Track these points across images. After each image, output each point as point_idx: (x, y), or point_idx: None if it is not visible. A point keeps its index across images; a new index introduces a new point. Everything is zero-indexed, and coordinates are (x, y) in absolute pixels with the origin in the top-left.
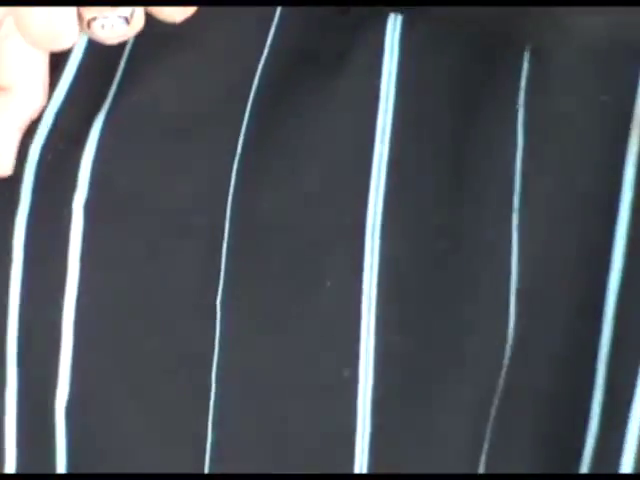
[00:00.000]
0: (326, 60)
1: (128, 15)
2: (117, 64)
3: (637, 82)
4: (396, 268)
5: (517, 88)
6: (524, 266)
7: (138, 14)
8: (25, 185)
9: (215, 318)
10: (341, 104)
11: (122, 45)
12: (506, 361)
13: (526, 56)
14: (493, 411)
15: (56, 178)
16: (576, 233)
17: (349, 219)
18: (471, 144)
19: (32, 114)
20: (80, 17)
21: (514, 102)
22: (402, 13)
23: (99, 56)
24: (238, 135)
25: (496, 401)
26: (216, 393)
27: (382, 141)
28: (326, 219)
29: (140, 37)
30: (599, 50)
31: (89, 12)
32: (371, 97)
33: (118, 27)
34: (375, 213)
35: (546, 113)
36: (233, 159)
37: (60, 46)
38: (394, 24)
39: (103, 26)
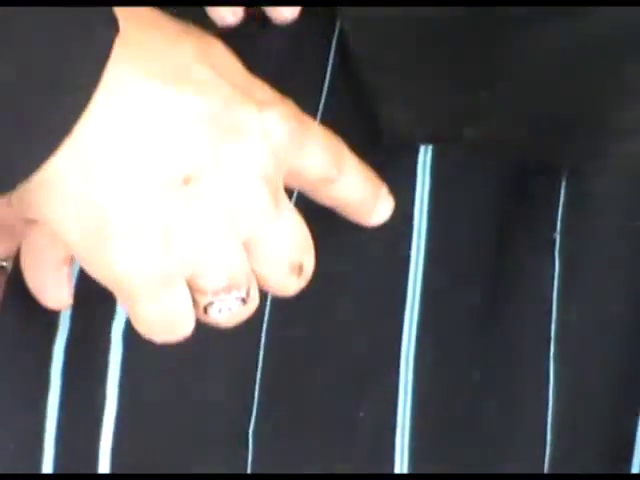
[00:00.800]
0: None
1: (244, 295)
2: None
3: None
4: (430, 399)
5: (554, 216)
6: (561, 395)
7: (253, 293)
8: (64, 311)
9: (247, 448)
10: (373, 232)
11: None
12: None
13: (563, 183)
14: None
15: (94, 305)
16: (609, 361)
17: (383, 348)
18: (505, 273)
19: None
20: (195, 303)
21: (551, 230)
22: (433, 142)
23: None
24: None
25: None
26: None
27: (416, 270)
28: (359, 348)
29: None
30: (636, 175)
31: (204, 298)
32: (403, 226)
33: (235, 308)
34: (409, 342)
35: (582, 240)
36: None
37: (178, 336)
38: (425, 151)
39: (220, 310)
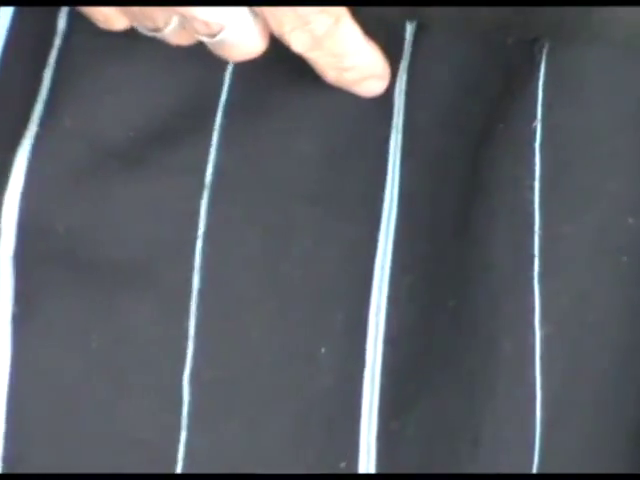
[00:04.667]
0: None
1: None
2: (40, 76)
3: None
4: (403, 328)
5: (535, 94)
6: (551, 318)
7: None
8: None
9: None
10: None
11: (44, 51)
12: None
13: (544, 57)
14: None
15: None
16: (603, 274)
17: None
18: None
19: None
20: None
21: (532, 112)
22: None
23: (16, 65)
24: (206, 160)
25: None
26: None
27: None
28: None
29: (68, 41)
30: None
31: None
32: (384, 105)
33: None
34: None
35: (566, 122)
36: (201, 192)
37: None
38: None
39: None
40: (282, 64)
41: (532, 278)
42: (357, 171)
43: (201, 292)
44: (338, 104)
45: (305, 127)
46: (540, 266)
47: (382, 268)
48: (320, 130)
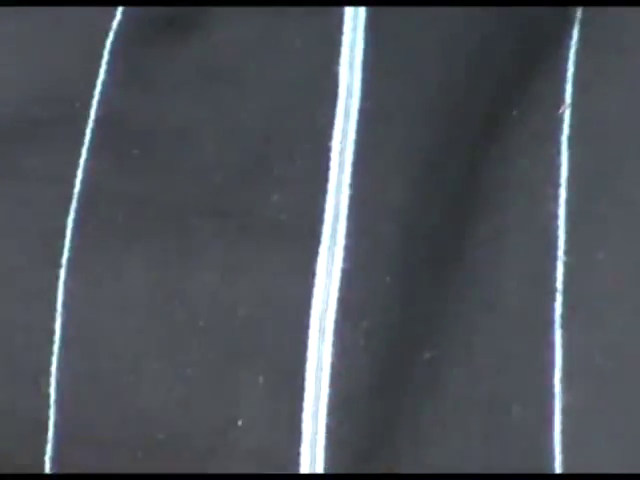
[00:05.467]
0: None
1: None
2: None
3: None
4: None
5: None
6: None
7: None
8: None
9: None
10: None
11: None
12: None
13: (576, 25)
14: None
15: None
16: None
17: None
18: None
19: None
20: None
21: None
22: None
23: None
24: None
25: None
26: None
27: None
28: None
29: None
30: None
31: None
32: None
33: None
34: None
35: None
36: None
37: None
38: None
39: None
40: None
41: (552, 322)
42: None
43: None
44: None
45: None
46: (564, 305)
47: (324, 310)
48: None
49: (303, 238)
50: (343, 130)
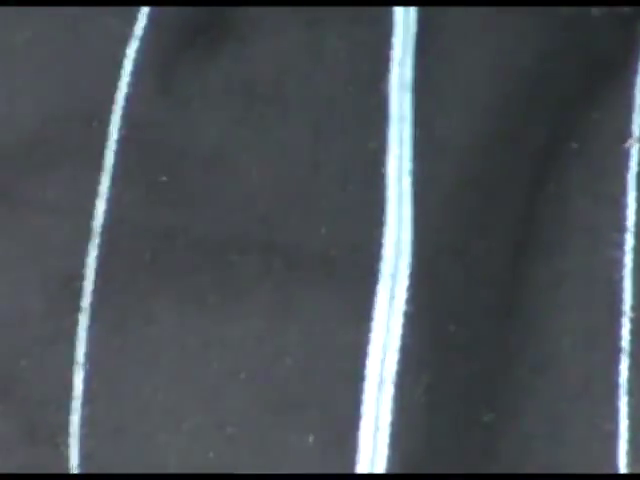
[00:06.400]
0: None
1: None
2: None
3: None
4: None
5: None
6: None
7: None
8: None
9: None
10: None
11: None
12: None
13: None
14: None
15: None
16: None
17: None
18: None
19: None
20: None
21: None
22: None
23: None
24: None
25: None
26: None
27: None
28: None
29: None
30: None
31: None
32: None
33: None
34: None
35: None
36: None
37: None
38: None
39: None
40: None
41: (617, 387)
42: None
43: None
44: None
45: None
46: (631, 369)
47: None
48: None
49: (358, 276)
50: (398, 157)
